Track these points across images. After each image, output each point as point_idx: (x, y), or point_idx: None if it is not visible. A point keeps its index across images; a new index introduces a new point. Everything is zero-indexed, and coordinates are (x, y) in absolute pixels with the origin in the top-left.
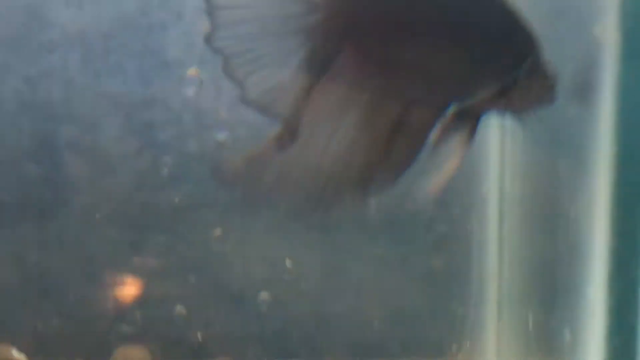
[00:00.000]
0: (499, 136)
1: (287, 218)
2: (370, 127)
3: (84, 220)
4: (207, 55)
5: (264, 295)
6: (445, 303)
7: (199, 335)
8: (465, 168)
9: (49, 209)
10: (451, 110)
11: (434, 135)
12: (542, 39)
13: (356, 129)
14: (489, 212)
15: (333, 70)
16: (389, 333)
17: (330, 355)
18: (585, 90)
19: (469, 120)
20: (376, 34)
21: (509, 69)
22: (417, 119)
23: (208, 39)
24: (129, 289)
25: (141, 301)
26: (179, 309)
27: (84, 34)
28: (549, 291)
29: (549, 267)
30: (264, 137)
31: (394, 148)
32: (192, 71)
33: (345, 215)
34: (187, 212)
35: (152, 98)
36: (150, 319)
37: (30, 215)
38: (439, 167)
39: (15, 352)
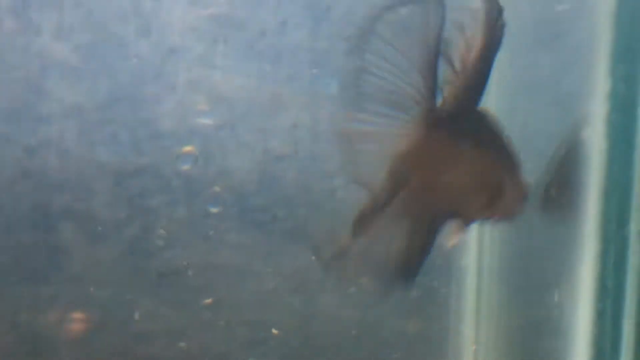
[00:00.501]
0: None
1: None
2: (414, 231)
3: (76, 283)
4: (198, 128)
5: None
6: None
7: None
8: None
9: (42, 272)
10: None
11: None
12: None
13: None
14: (467, 284)
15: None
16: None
17: None
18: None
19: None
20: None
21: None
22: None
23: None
24: (118, 349)
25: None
26: None
27: (80, 106)
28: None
29: (528, 338)
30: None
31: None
32: (188, 148)
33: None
34: (177, 277)
35: (144, 167)
36: None
37: (25, 278)
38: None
39: None
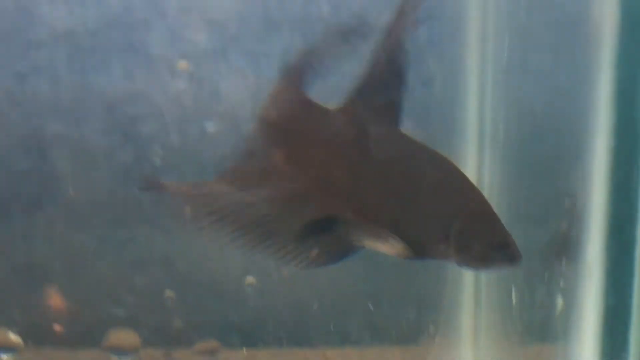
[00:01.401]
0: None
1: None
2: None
3: (69, 212)
4: (190, 50)
5: (248, 280)
6: (418, 287)
7: (182, 322)
8: None
9: (35, 201)
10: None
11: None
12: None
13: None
14: None
15: None
16: (366, 320)
17: (309, 343)
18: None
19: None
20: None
21: (440, 225)
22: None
23: None
24: (114, 278)
25: (128, 289)
26: (165, 297)
27: (70, 32)
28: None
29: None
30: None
31: None
32: (182, 64)
33: None
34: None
35: (137, 93)
36: (139, 306)
37: (18, 208)
38: None
39: (12, 336)
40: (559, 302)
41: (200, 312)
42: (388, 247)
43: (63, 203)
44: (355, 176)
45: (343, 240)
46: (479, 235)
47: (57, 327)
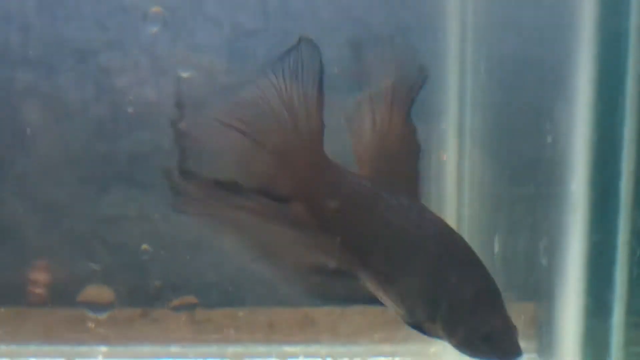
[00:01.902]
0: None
1: None
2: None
3: (42, 166)
4: (163, 1)
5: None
6: None
7: (159, 281)
8: None
9: (7, 154)
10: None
11: None
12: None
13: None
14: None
15: None
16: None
17: (289, 302)
18: None
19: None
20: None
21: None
22: None
23: None
24: (88, 233)
25: (104, 247)
26: (142, 251)
27: None
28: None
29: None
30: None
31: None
32: (155, 9)
33: None
34: (146, 158)
35: (109, 43)
36: (114, 264)
37: None
38: None
39: None
40: (543, 244)
41: (178, 271)
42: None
43: (35, 157)
44: (369, 239)
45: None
46: (464, 321)
47: (31, 286)
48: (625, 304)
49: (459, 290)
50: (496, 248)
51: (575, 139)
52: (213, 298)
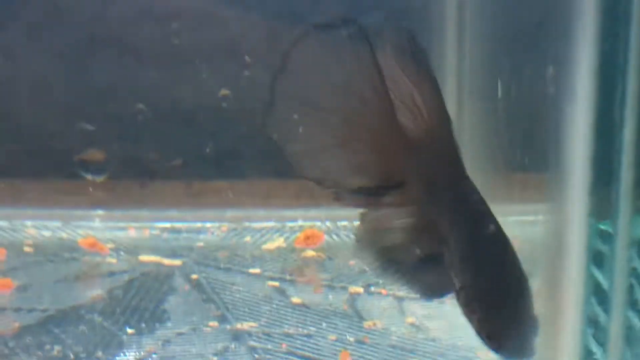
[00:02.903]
0: None
1: None
2: None
3: (34, 32)
4: None
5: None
6: None
7: (157, 154)
8: None
9: None
10: None
11: None
12: None
13: None
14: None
15: None
16: None
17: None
18: None
19: None
20: None
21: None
22: None
23: None
24: (76, 105)
25: (100, 117)
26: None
27: None
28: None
29: None
30: None
31: None
32: None
33: None
34: (139, 23)
35: None
36: (110, 136)
37: None
38: None
39: None
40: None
41: (175, 144)
42: None
43: (26, 22)
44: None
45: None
46: (472, 316)
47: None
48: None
49: (489, 280)
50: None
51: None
52: (210, 171)
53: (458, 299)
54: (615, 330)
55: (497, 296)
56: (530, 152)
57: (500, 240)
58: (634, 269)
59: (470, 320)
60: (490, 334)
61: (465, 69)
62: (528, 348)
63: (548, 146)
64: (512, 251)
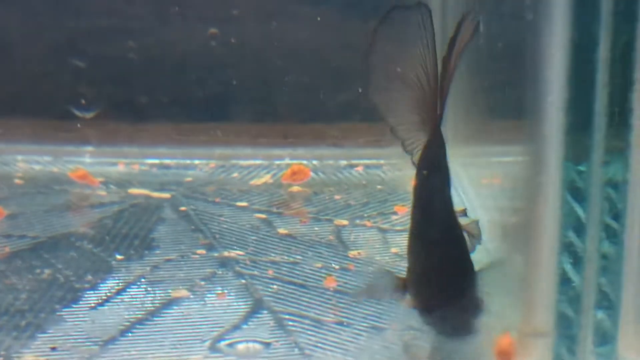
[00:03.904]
0: None
1: None
2: None
3: None
4: None
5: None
6: None
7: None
8: None
9: None
10: None
11: None
12: None
13: None
14: None
15: None
16: (332, 98)
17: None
18: None
19: None
20: None
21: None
22: None
23: None
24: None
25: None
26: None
27: None
28: None
29: None
30: None
31: None
32: None
33: None
34: None
35: None
36: (101, 80)
37: None
38: None
39: None
40: None
41: (165, 88)
42: None
43: None
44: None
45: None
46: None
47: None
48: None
49: (427, 263)
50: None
51: None
52: (200, 114)
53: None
54: (591, 256)
55: (432, 277)
56: (509, 99)
57: (449, 232)
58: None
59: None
60: (421, 310)
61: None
62: (466, 327)
63: (526, 91)
64: (459, 241)
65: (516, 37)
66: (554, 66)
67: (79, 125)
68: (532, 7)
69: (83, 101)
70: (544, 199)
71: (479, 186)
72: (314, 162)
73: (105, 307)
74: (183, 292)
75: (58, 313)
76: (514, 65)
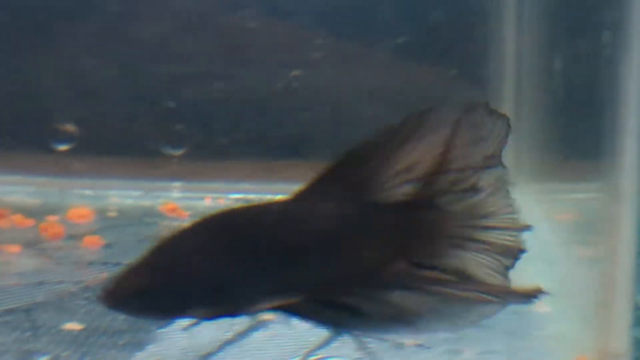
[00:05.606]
0: None
1: None
2: None
3: None
4: None
5: None
6: None
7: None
8: None
9: None
10: None
11: None
12: None
13: None
14: None
15: None
16: None
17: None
18: None
19: None
20: None
21: None
22: None
23: None
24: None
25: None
26: None
27: None
28: None
29: None
30: None
31: None
32: None
33: None
34: None
35: None
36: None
37: None
38: None
39: None
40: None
41: (247, 128)
42: None
43: None
44: None
45: None
46: None
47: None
48: None
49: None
50: None
51: None
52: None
53: None
54: None
55: None
56: (584, 136)
57: None
58: None
59: None
60: None
61: (524, 46)
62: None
63: (602, 128)
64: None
65: (592, 74)
66: (631, 101)
67: (169, 162)
68: (610, 44)
69: (172, 140)
70: (620, 231)
71: (552, 221)
72: None
73: (197, 328)
74: (268, 316)
75: (153, 334)
76: (590, 101)
